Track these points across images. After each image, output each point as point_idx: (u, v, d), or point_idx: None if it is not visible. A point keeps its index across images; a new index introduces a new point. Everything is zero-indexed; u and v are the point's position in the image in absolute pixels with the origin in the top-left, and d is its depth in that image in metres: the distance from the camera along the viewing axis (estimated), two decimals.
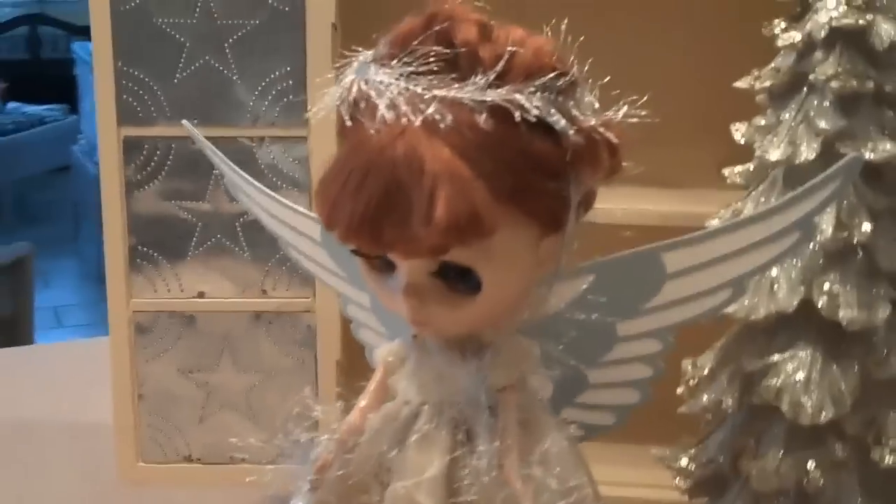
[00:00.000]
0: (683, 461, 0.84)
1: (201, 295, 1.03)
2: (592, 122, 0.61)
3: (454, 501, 0.65)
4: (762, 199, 0.77)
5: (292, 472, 0.68)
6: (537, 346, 0.70)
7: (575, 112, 0.61)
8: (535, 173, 0.60)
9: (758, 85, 0.78)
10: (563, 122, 0.60)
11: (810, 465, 0.76)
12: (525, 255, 0.63)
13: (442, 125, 0.58)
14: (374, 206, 0.59)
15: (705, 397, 0.81)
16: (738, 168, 0.82)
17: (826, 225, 0.74)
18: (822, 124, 0.74)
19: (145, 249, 1.02)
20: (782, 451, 0.77)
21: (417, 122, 0.59)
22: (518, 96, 0.59)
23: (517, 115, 0.59)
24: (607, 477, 0.70)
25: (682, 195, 0.96)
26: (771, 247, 0.67)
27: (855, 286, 0.75)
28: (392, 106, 0.60)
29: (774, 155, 0.75)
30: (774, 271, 0.77)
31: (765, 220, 0.67)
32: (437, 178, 0.57)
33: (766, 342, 0.78)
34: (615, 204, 0.91)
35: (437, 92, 0.59)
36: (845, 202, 0.74)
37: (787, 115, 0.77)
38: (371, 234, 0.59)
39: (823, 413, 0.74)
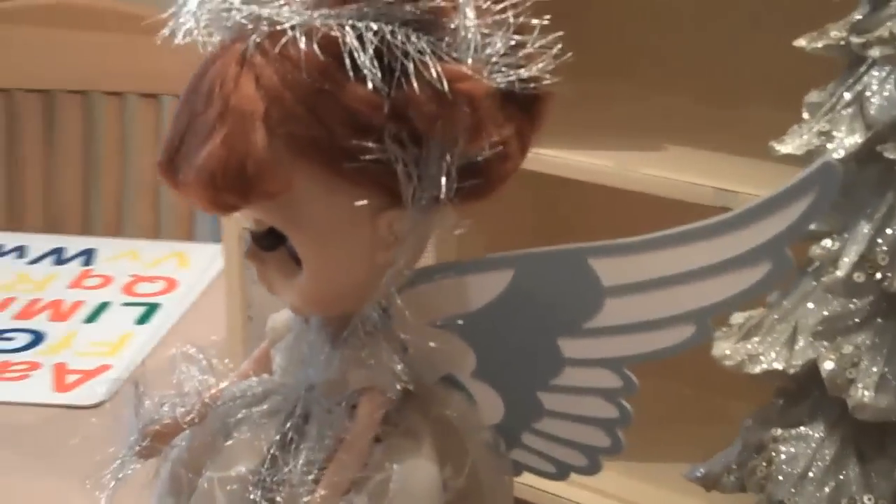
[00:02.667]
0: None
1: None
2: (434, 69, 0.47)
3: None
4: None
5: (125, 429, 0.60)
6: (465, 348, 0.57)
7: (420, 52, 0.47)
8: (342, 126, 0.48)
9: (809, 46, 0.56)
10: (366, 62, 0.46)
11: None
12: (348, 227, 0.52)
13: (249, 46, 0.49)
14: (175, 140, 0.51)
15: (708, 466, 0.61)
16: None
17: (846, 257, 0.52)
18: (873, 112, 0.52)
19: None
20: None
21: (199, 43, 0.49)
22: (319, 22, 0.47)
23: (300, 46, 0.46)
24: None
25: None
26: (732, 277, 0.53)
27: (883, 357, 0.52)
28: (195, 20, 0.50)
29: (786, 147, 0.54)
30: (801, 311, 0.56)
31: (713, 238, 0.51)
32: (220, 117, 0.48)
33: (782, 408, 0.58)
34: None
35: (252, 8, 0.48)
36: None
37: (838, 93, 0.54)
38: (168, 174, 0.51)
39: None
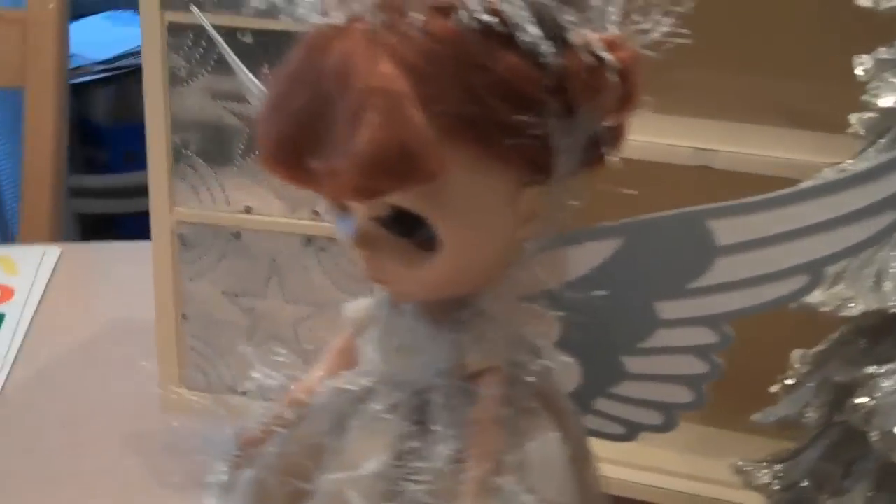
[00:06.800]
0: (766, 478, 0.66)
1: (248, 210, 0.91)
2: (591, 38, 0.45)
3: None
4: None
5: (214, 444, 0.56)
6: (553, 320, 0.56)
7: (572, 22, 0.45)
8: (501, 101, 0.45)
9: (884, 3, 0.58)
10: (535, 33, 0.44)
11: None
12: (495, 207, 0.48)
13: (374, 24, 0.44)
14: (295, 126, 0.46)
15: (784, 408, 0.63)
16: (865, 115, 0.62)
17: None
18: None
19: (188, 153, 0.91)
20: (871, 492, 0.59)
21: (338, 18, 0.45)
22: None
23: (461, 16, 0.43)
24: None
25: (801, 139, 0.75)
26: (859, 226, 0.51)
27: None
28: None
29: (887, 101, 0.56)
30: (882, 255, 0.58)
31: (848, 190, 0.50)
32: (367, 98, 0.43)
33: (865, 348, 0.60)
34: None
35: None
36: None
37: None
38: (289, 162, 0.46)
39: None
